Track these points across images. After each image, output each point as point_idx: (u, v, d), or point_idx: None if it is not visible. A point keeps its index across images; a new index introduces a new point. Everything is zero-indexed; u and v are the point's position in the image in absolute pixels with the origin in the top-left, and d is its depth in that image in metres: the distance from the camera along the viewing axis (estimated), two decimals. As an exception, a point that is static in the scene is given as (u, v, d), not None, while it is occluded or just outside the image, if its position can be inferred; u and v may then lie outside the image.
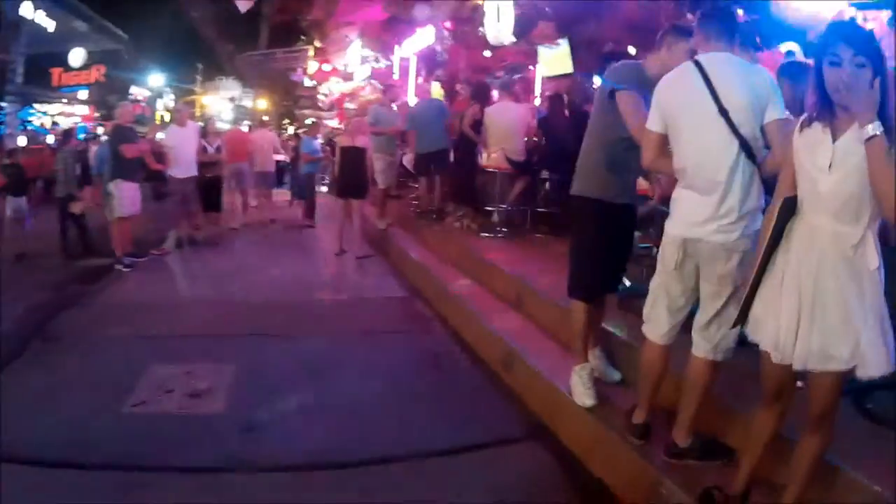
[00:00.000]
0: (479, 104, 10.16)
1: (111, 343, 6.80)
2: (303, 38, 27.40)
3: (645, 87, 4.08)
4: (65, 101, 32.45)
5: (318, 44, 25.79)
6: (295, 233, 14.38)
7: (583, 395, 4.61)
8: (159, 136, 13.26)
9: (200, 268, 10.98)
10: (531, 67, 15.83)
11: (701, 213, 3.56)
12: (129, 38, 34.01)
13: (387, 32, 18.85)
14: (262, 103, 43.49)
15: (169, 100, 43.29)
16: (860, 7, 7.55)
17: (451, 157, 10.90)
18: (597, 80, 14.87)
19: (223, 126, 22.02)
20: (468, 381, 6.03)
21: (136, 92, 38.66)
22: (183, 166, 11.73)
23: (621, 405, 4.48)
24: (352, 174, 10.96)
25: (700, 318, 3.71)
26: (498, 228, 9.87)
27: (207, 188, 12.45)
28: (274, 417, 5.11)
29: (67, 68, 31.20)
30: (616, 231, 4.67)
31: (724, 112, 3.46)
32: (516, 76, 16.27)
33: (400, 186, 13.83)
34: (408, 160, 13.18)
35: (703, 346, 3.68)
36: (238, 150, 14.26)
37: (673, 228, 3.72)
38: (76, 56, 30.87)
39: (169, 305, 8.32)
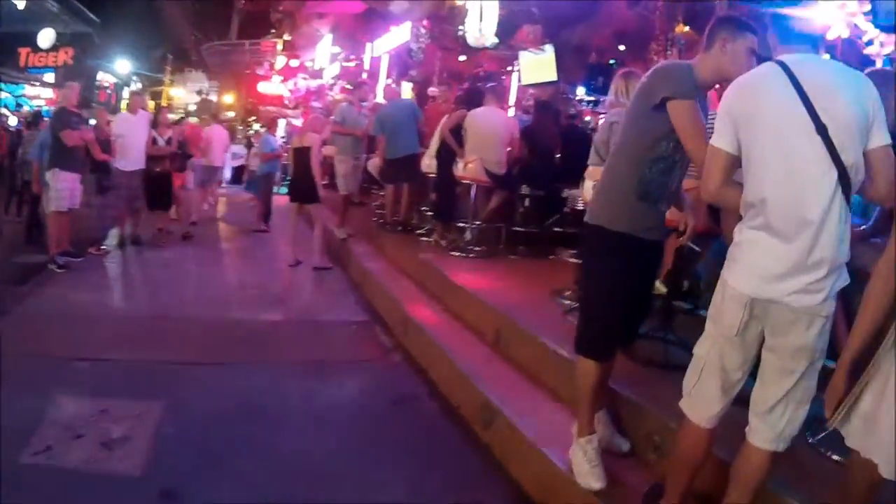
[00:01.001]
0: (468, 109, 8.95)
1: (20, 364, 5.48)
2: (273, 30, 26.06)
3: (696, 95, 3.41)
4: (35, 83, 30.65)
5: (287, 37, 24.49)
6: (248, 238, 13.07)
7: (588, 476, 3.67)
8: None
9: (139, 273, 9.82)
10: (503, 76, 14.92)
11: (780, 265, 2.71)
12: (100, 22, 32.33)
13: (360, 28, 17.76)
14: (229, 98, 42.00)
15: (136, 89, 41.75)
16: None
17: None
18: (580, 91, 14.04)
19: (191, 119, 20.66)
20: (439, 437, 5.01)
21: (102, 78, 37.06)
22: (130, 158, 10.50)
23: (633, 484, 3.72)
24: (299, 176, 9.89)
25: (761, 399, 2.89)
26: (470, 247, 8.71)
27: (155, 184, 11.04)
28: (200, 479, 4.11)
29: (35, 49, 29.40)
30: (641, 275, 3.84)
31: (822, 130, 2.62)
32: (489, 84, 15.38)
33: (362, 193, 12.71)
34: (373, 165, 11.96)
35: (765, 433, 2.88)
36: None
37: (738, 282, 2.85)
38: (45, 37, 29.03)
39: (96, 318, 7.05)
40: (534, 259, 8.82)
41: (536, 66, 13.00)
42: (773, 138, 2.74)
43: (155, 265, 10.08)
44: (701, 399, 3.03)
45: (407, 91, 15.61)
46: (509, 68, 15.51)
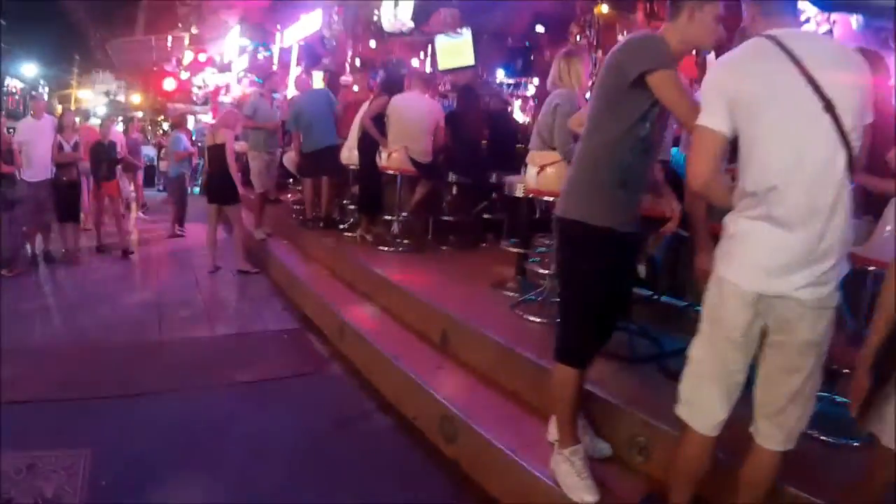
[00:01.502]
0: (390, 96, 8.37)
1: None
2: (180, 25, 24.89)
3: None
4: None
5: (194, 30, 23.42)
6: (164, 245, 12.06)
7: (580, 489, 3.38)
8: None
9: (53, 295, 8.91)
10: (416, 62, 14.42)
11: (786, 256, 2.50)
12: (5, 25, 30.58)
13: (269, 18, 17.01)
14: (137, 98, 40.42)
15: (44, 93, 39.86)
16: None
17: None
18: (500, 74, 13.62)
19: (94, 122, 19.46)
20: (397, 457, 4.54)
21: (10, 84, 35.24)
22: (36, 167, 9.66)
23: (624, 492, 3.50)
24: (215, 176, 9.19)
25: (768, 400, 2.68)
26: (398, 241, 8.22)
27: (64, 194, 10.05)
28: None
29: (-65, 54, 27.60)
30: (621, 273, 3.60)
31: (830, 108, 2.41)
32: (403, 70, 14.89)
33: (278, 189, 12.18)
34: (288, 159, 11.33)
35: (776, 436, 2.69)
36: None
37: (739, 278, 2.59)
38: (-54, 40, 27.30)
39: (10, 353, 6.03)
40: (466, 249, 8.46)
41: (453, 50, 12.54)
42: (779, 120, 2.48)
43: (69, 285, 9.25)
44: (703, 406, 2.77)
45: (318, 81, 14.98)
46: (422, 55, 15.06)
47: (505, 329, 5.18)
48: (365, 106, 8.78)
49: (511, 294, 6.20)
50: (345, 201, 10.05)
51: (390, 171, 8.12)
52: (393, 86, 8.61)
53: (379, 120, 8.27)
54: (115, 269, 9.92)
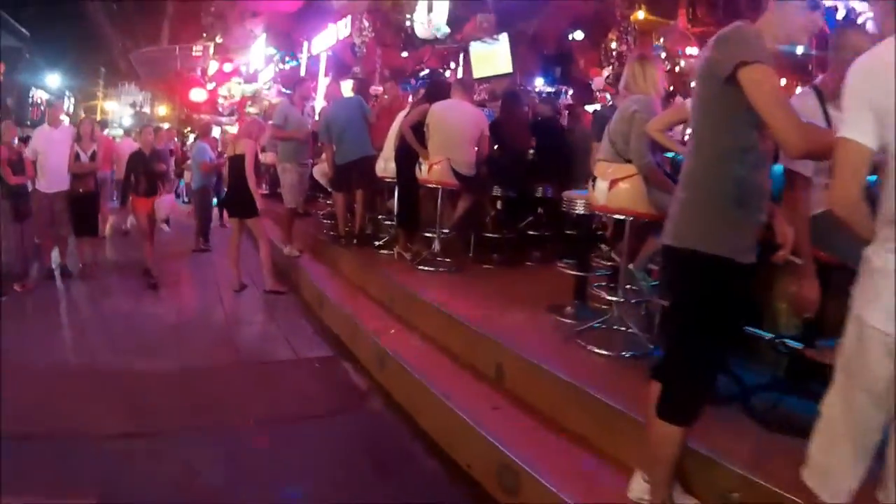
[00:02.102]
0: (430, 104, 7.72)
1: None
2: (204, 35, 24.41)
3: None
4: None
5: (219, 39, 22.89)
6: (187, 260, 11.38)
7: None
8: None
9: (68, 313, 8.20)
10: (446, 71, 13.81)
11: None
12: (31, 37, 30.28)
13: (295, 27, 16.44)
14: (163, 109, 40.21)
15: (70, 104, 39.71)
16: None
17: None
18: (539, 83, 12.97)
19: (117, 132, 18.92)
20: None
21: (36, 95, 35.04)
22: (51, 177, 9.03)
23: None
24: (234, 188, 8.57)
25: None
26: (439, 259, 7.55)
27: (81, 206, 9.37)
28: None
29: (-37, 65, 27.21)
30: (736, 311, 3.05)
31: None
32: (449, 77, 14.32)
33: (306, 201, 11.31)
34: (319, 171, 10.68)
35: None
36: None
37: (886, 323, 2.07)
38: (-28, 52, 26.89)
39: (18, 377, 5.40)
40: (512, 268, 7.82)
41: (488, 58, 11.90)
42: None
43: (84, 302, 8.62)
44: (835, 470, 2.28)
45: (347, 90, 14.39)
46: (452, 64, 14.46)
47: (568, 362, 4.56)
48: (401, 115, 8.13)
49: (569, 321, 5.55)
50: (379, 216, 9.39)
51: (430, 185, 7.44)
52: (438, 93, 7.96)
53: (418, 129, 7.61)
54: (133, 286, 9.10)
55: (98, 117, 33.77)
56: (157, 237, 9.71)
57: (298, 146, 9.34)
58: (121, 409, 5.03)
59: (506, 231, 8.22)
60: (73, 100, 41.54)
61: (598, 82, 13.26)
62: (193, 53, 24.42)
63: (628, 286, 5.13)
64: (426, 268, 7.46)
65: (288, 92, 15.69)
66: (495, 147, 7.92)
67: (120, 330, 7.04)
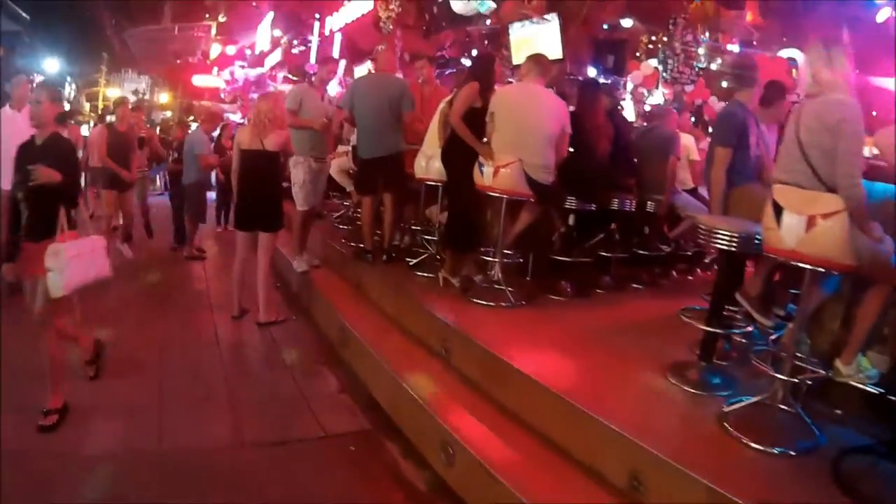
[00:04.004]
0: (481, 85, 5.73)
1: None
2: (207, 15, 22.19)
3: None
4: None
5: (222, 18, 20.67)
6: (178, 270, 9.03)
7: None
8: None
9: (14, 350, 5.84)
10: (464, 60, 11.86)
11: None
12: (30, 20, 28.07)
13: (305, 6, 14.39)
14: (165, 97, 37.87)
15: (71, 91, 37.53)
16: None
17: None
18: (592, 72, 10.99)
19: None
20: None
21: (36, 80, 32.80)
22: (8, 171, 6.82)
23: None
24: (255, 193, 6.38)
25: None
26: (497, 288, 5.63)
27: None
28: None
29: (-39, 48, 25.00)
30: None
31: None
32: (448, 71, 12.36)
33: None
34: (336, 168, 8.68)
35: None
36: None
37: None
38: (-30, 35, 24.66)
39: None
40: (587, 300, 6.11)
41: (532, 42, 9.88)
42: None
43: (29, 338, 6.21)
44: None
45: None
46: (474, 51, 12.52)
47: (726, 466, 3.19)
48: (444, 102, 6.14)
49: (697, 392, 4.02)
50: (414, 226, 7.39)
51: (494, 193, 5.45)
52: (486, 73, 5.96)
53: (470, 119, 5.62)
54: (102, 308, 6.51)
55: (100, 104, 31.46)
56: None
57: (315, 137, 7.19)
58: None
59: (576, 252, 6.28)
60: (73, 86, 39.29)
61: (636, 76, 11.38)
62: (195, 34, 22.14)
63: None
64: (481, 301, 5.50)
65: (295, 78, 13.64)
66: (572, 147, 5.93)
67: (74, 381, 4.94)
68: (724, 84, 12.87)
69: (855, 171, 3.32)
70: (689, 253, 8.10)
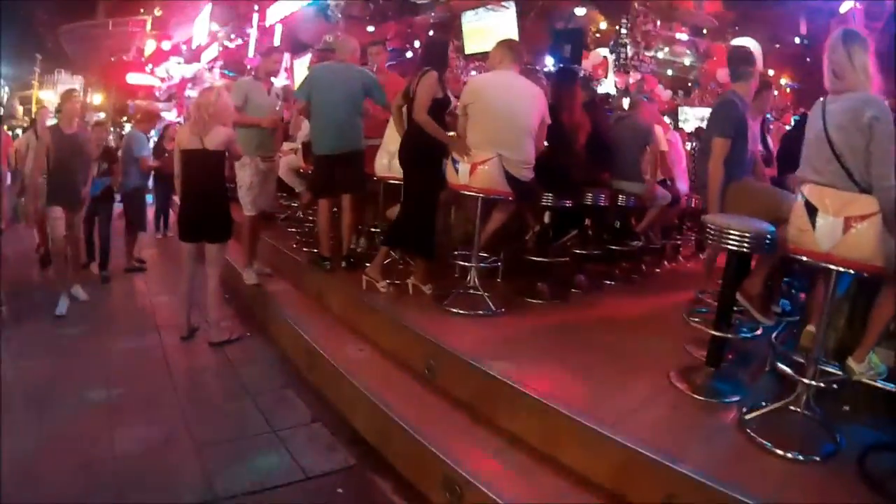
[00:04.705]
0: (438, 73, 5.16)
1: None
2: (142, 10, 21.04)
3: None
4: None
5: (157, 12, 19.58)
6: (116, 284, 7.92)
7: None
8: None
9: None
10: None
11: None
12: None
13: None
14: (98, 98, 36.17)
15: (5, 93, 35.70)
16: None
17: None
18: (549, 63, 10.50)
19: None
20: None
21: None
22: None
23: None
24: (200, 198, 5.64)
25: None
26: (472, 293, 5.13)
27: None
28: None
29: None
30: None
31: None
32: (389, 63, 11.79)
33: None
34: (286, 166, 8.03)
35: None
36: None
37: None
38: None
39: None
40: (566, 303, 5.72)
41: (485, 31, 9.38)
42: None
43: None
44: None
45: (303, 73, 11.72)
46: (416, 44, 12.02)
47: (752, 475, 2.97)
48: (398, 98, 5.55)
49: (708, 399, 3.78)
50: (374, 228, 6.82)
51: (470, 193, 4.91)
52: (440, 59, 5.39)
53: (433, 111, 5.09)
54: (42, 338, 5.87)
55: (33, 108, 29.79)
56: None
57: (263, 135, 6.50)
58: None
59: (552, 252, 5.81)
60: (7, 88, 37.39)
61: (585, 65, 10.96)
62: (129, 29, 20.96)
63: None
64: (458, 310, 4.98)
65: (231, 74, 12.90)
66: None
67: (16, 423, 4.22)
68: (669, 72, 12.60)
69: (889, 172, 3.15)
70: (658, 245, 7.80)
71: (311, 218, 8.18)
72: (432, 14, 10.57)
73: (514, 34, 8.82)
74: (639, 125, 6.74)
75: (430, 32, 11.35)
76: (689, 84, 14.49)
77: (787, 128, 11.05)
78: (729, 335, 3.97)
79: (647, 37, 10.33)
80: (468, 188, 4.90)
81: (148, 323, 6.37)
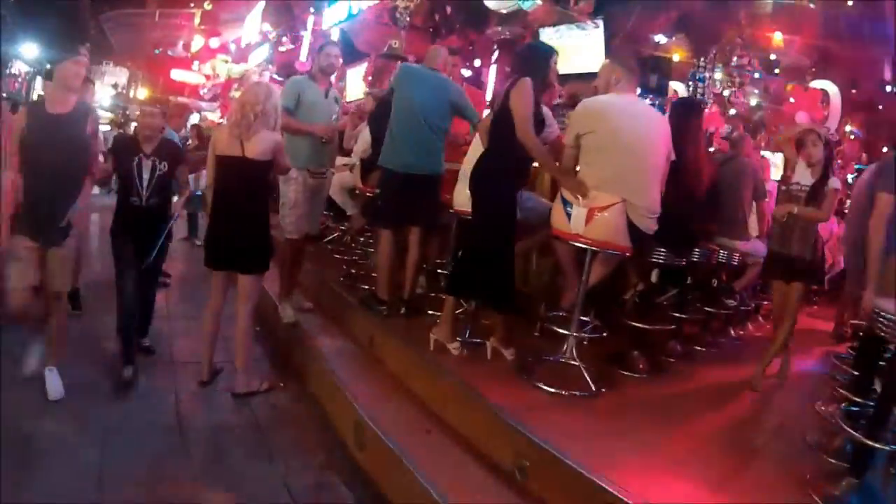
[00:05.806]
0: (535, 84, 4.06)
1: None
2: (192, 3, 20.21)
3: None
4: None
5: (208, 6, 18.69)
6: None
7: None
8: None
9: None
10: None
11: None
12: (13, 3, 25.93)
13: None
14: (144, 92, 35.43)
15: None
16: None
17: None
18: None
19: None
20: None
21: (17, 68, 30.61)
22: None
23: None
24: (234, 220, 4.53)
25: None
26: (572, 364, 4.06)
27: None
28: None
29: (-63, 28, 22.76)
30: None
31: None
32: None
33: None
34: (339, 184, 6.91)
35: None
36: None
37: None
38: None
39: None
40: (665, 376, 4.72)
41: (568, 51, 8.29)
42: None
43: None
44: None
45: (357, 83, 10.78)
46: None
47: None
48: (488, 113, 4.52)
49: None
50: (439, 269, 5.75)
51: (583, 244, 3.83)
52: (540, 70, 4.22)
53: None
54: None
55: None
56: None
57: (315, 145, 5.41)
58: None
59: (654, 316, 4.74)
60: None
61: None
62: (177, 22, 20.15)
63: None
64: (548, 387, 3.88)
65: (282, 79, 11.98)
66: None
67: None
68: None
69: None
70: (751, 307, 6.73)
71: (360, 249, 7.12)
72: (506, 29, 9.51)
73: (601, 56, 7.75)
74: (747, 170, 5.68)
75: (495, 49, 10.36)
76: (749, 125, 13.42)
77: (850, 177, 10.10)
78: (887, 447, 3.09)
79: (741, 72, 9.31)
80: (581, 239, 3.81)
81: (161, 353, 5.23)
